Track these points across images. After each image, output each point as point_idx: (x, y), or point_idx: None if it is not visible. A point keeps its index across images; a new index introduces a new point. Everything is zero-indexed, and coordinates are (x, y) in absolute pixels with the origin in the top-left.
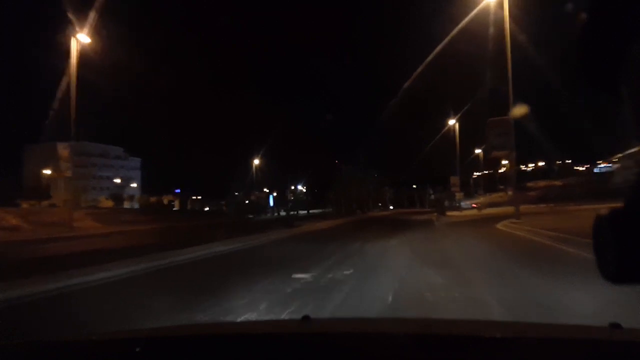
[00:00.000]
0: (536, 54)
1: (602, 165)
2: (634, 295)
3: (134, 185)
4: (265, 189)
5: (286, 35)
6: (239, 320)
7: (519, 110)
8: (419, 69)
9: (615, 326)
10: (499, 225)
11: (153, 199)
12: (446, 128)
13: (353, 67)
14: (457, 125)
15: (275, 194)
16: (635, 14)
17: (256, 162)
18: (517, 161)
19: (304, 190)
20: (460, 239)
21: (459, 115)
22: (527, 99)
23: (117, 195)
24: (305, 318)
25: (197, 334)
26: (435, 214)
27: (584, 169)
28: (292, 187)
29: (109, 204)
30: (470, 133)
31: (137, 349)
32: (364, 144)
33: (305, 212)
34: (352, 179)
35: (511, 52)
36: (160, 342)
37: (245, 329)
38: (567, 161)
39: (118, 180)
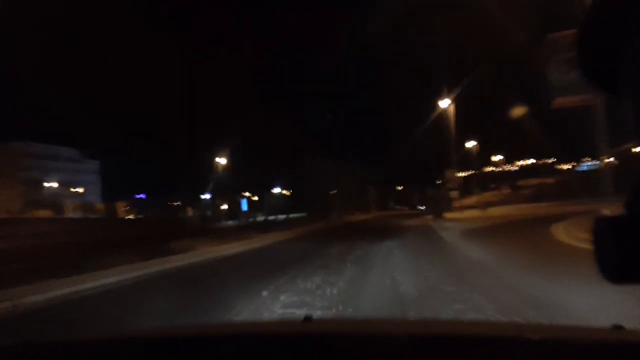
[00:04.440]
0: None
1: (589, 163)
2: None
3: (79, 190)
4: (246, 193)
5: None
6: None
7: (519, 110)
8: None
9: (617, 327)
10: (569, 238)
11: (99, 207)
12: (439, 111)
13: (335, 53)
14: (452, 107)
15: (256, 198)
16: (636, 11)
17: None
18: (506, 160)
19: (287, 193)
20: None
21: (455, 94)
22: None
23: (56, 203)
24: (307, 319)
25: (197, 334)
26: (431, 216)
27: (569, 167)
28: (274, 190)
29: (46, 213)
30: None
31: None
32: (345, 140)
33: (283, 216)
34: (325, 177)
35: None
36: (160, 342)
37: (246, 329)
38: (550, 160)
39: (55, 185)
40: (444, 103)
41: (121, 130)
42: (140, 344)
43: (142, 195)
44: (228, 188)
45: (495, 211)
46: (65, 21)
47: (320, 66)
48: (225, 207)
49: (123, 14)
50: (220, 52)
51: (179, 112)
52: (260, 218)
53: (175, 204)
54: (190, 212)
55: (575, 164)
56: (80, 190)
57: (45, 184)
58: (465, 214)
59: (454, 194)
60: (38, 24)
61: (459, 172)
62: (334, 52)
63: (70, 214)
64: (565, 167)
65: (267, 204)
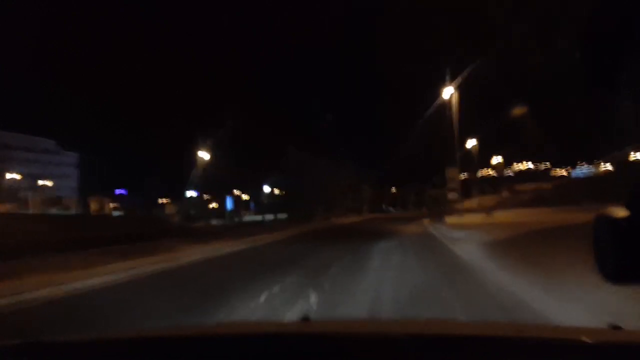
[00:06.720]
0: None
1: (584, 169)
2: None
3: (46, 183)
4: (236, 191)
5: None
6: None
7: (518, 109)
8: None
9: (615, 327)
10: None
11: (68, 201)
12: (440, 101)
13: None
14: (455, 96)
15: (245, 196)
16: (636, 15)
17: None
18: (504, 164)
19: (278, 192)
20: None
21: (458, 82)
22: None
23: (19, 196)
24: (305, 319)
25: (197, 334)
26: (427, 220)
27: (564, 172)
28: (267, 189)
29: (2, 207)
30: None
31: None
32: (340, 140)
33: (271, 216)
34: (316, 176)
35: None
36: (161, 342)
37: (245, 329)
38: (544, 165)
39: (16, 177)
40: (447, 92)
41: (107, 125)
42: (140, 344)
43: (122, 191)
44: (217, 186)
45: (503, 216)
46: (45, 10)
47: (315, 64)
48: (213, 205)
49: (106, 5)
50: (211, 46)
51: (167, 107)
52: (247, 217)
53: (164, 201)
54: (170, 209)
55: (570, 169)
56: (49, 183)
57: (8, 176)
58: (468, 218)
59: (454, 195)
60: (17, 16)
61: (460, 173)
62: (330, 49)
63: (32, 209)
64: (560, 172)
65: (257, 202)
